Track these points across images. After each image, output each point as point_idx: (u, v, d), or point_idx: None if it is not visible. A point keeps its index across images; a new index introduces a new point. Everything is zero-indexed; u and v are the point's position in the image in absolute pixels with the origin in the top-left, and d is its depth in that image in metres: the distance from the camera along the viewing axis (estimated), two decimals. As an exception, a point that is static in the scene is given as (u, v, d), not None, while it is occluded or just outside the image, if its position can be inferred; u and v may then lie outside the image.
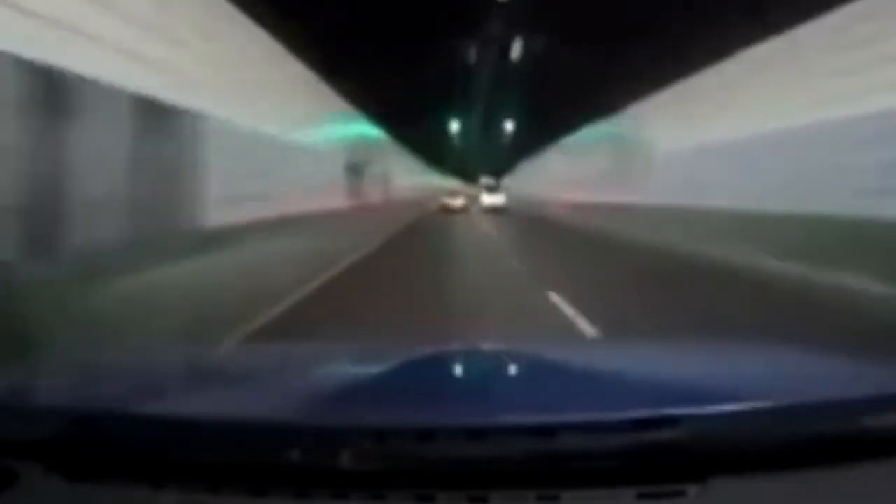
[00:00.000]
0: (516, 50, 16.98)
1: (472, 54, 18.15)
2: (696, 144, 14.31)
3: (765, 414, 0.91)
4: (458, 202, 36.15)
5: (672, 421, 0.86)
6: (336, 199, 17.08)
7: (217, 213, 8.72)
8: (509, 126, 34.71)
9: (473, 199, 39.13)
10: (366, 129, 23.01)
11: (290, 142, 12.82)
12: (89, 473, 0.91)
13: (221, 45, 9.52)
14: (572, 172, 28.09)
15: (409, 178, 36.91)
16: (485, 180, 41.84)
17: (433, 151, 41.76)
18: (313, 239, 11.69)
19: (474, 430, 0.88)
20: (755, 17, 10.58)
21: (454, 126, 35.53)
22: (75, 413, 0.99)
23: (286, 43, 12.53)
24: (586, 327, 5.07)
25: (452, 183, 53.09)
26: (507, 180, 53.47)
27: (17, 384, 1.22)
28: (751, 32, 11.38)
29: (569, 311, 5.73)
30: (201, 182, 8.39)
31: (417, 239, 15.91)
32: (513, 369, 1.43)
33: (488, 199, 35.68)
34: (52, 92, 5.54)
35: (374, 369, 1.45)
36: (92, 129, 6.03)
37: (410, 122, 25.16)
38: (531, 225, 21.67)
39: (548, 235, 17.10)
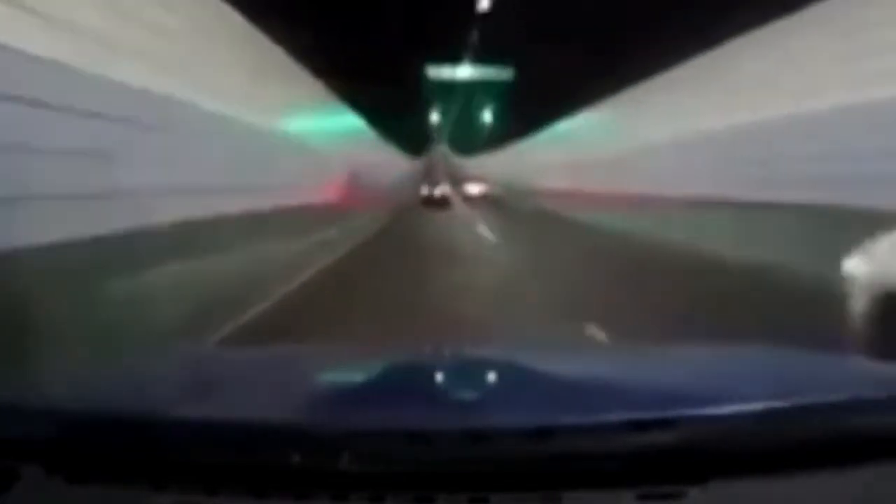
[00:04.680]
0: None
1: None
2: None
3: (766, 415, 0.91)
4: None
5: (672, 423, 0.86)
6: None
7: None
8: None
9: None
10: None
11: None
12: (90, 474, 0.91)
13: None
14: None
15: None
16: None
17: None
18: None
19: (474, 433, 0.88)
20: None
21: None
22: (76, 414, 0.99)
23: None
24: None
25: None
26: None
27: (19, 384, 1.22)
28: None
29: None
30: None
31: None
32: (513, 371, 1.43)
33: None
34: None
35: (374, 371, 1.45)
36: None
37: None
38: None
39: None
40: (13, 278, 3.72)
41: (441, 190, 27.44)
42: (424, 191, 27.34)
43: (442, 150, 47.57)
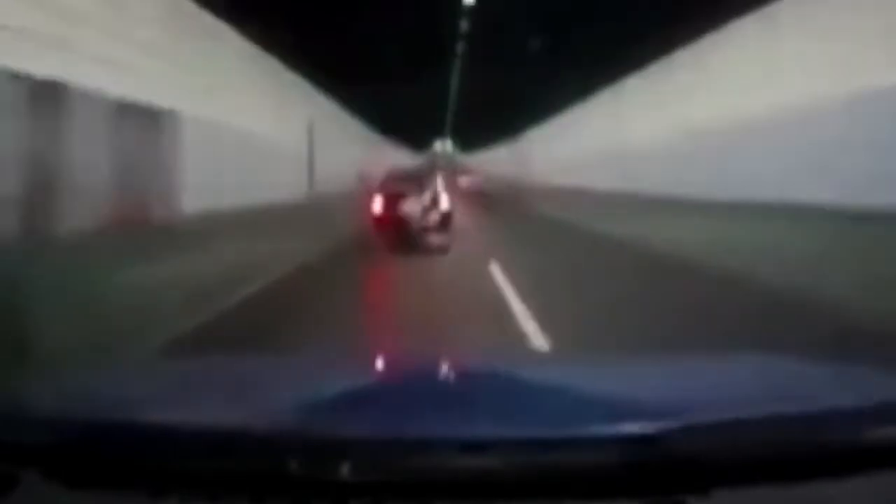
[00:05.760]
0: None
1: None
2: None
3: (767, 424, 0.91)
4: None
5: (672, 433, 0.86)
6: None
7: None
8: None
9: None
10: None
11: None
12: (89, 481, 0.91)
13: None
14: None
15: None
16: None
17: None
18: None
19: (474, 443, 0.88)
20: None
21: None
22: (76, 420, 1.00)
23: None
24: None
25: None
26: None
27: (19, 389, 1.23)
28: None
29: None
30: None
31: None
32: (512, 383, 1.43)
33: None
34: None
35: (373, 380, 1.45)
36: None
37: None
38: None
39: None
40: (11, 285, 3.72)
41: (431, 198, 12.30)
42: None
43: (442, 148, 39.29)
